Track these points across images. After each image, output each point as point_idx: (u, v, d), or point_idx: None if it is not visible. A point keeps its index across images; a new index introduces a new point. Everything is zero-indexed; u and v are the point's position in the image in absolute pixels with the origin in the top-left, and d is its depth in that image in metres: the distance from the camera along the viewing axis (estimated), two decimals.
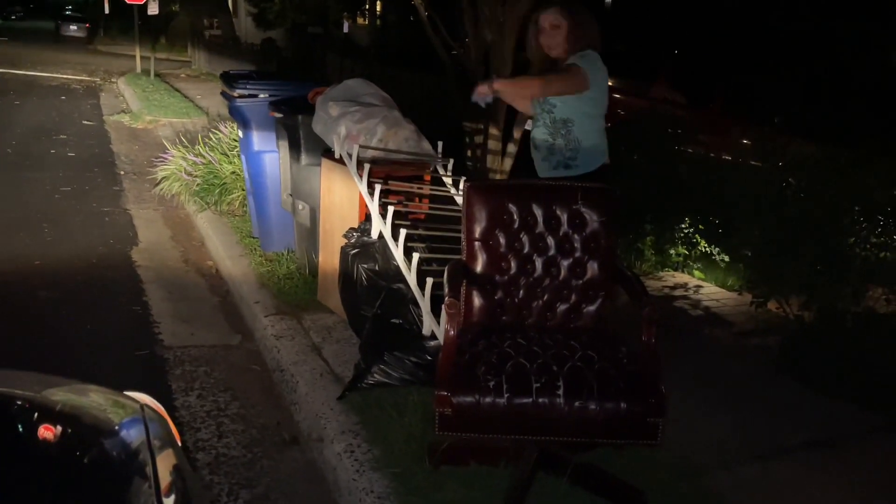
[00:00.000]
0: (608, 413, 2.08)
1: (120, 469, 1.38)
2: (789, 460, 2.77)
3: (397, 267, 3.18)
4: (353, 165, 3.47)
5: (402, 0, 16.61)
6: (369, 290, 3.26)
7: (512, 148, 5.54)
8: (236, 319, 4.12)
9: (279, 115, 4.13)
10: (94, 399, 1.62)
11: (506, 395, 2.08)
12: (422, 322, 3.00)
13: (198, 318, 4.09)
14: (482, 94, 3.10)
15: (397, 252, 3.18)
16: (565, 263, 2.54)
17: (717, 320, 4.20)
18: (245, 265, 4.56)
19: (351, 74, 7.98)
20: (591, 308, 2.54)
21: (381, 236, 3.32)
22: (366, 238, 3.37)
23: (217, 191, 5.71)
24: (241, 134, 4.80)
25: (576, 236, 2.54)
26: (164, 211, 6.19)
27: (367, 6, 23.09)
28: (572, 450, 2.49)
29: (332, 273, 3.67)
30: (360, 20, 24.46)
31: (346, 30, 22.75)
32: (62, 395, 1.60)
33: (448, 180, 3.83)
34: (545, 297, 2.55)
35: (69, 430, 1.44)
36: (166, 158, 6.34)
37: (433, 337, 2.93)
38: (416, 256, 3.07)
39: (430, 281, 2.93)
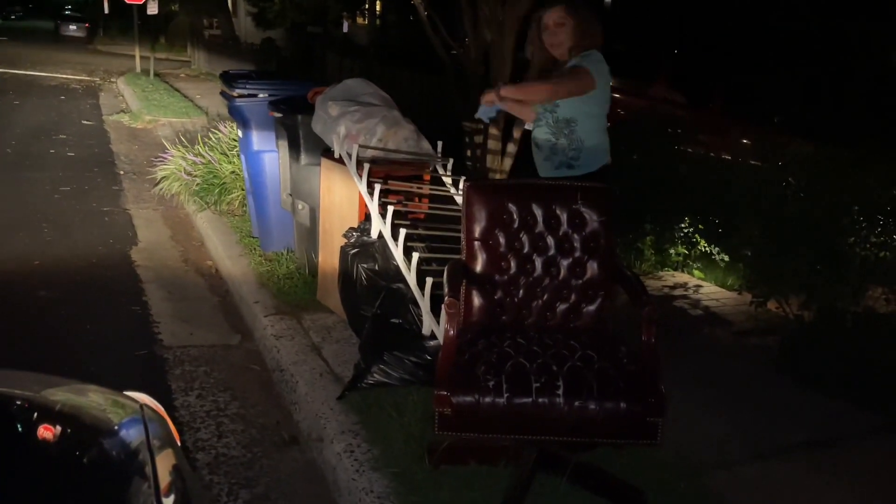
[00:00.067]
0: (608, 413, 2.08)
1: (119, 469, 1.38)
2: (789, 460, 2.77)
3: (397, 267, 3.18)
4: (352, 165, 3.47)
5: (402, 0, 16.62)
6: (369, 289, 3.26)
7: (512, 147, 5.54)
8: (236, 319, 4.12)
9: (279, 115, 4.13)
10: (93, 399, 1.62)
11: (505, 395, 2.08)
12: (421, 322, 2.99)
13: (197, 318, 4.09)
14: (489, 101, 3.09)
15: (397, 252, 3.18)
16: (565, 263, 2.54)
17: (716, 320, 4.20)
18: (245, 265, 4.56)
19: (350, 74, 7.98)
20: (591, 308, 2.54)
21: (380, 236, 3.32)
22: (365, 238, 3.37)
23: (217, 190, 5.71)
24: (240, 133, 4.80)
25: (575, 236, 2.53)
26: (164, 211, 6.18)
27: (367, 6, 23.06)
28: (572, 449, 2.49)
29: (332, 273, 3.67)
30: (359, 20, 24.45)
31: (345, 29, 22.75)
32: (61, 395, 1.60)
33: (448, 180, 3.83)
34: (545, 297, 2.54)
35: (68, 430, 1.43)
36: (166, 158, 6.34)
37: (433, 337, 2.93)
38: (415, 256, 3.07)
39: (429, 281, 2.93)
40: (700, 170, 5.15)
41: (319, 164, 3.83)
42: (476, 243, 2.52)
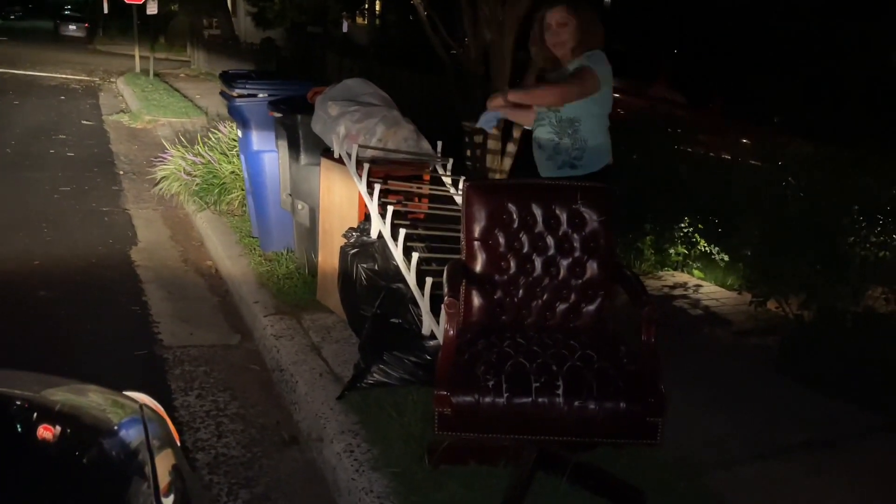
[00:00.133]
0: (607, 412, 2.08)
1: (119, 469, 1.38)
2: (789, 460, 2.77)
3: (397, 267, 3.18)
4: (352, 165, 3.47)
5: (402, 0, 16.61)
6: (369, 289, 3.26)
7: (512, 147, 5.54)
8: (236, 319, 4.12)
9: (278, 115, 4.13)
10: (93, 399, 1.62)
11: (505, 395, 2.08)
12: (421, 322, 2.99)
13: (197, 318, 4.09)
14: (496, 107, 3.09)
15: (397, 252, 3.18)
16: (565, 263, 2.54)
17: (716, 320, 4.20)
18: (244, 265, 4.56)
19: (350, 74, 7.99)
20: (591, 307, 2.54)
21: (380, 236, 3.32)
22: (365, 238, 3.37)
23: (216, 190, 5.71)
24: (240, 133, 4.80)
25: (575, 236, 2.53)
26: (164, 211, 6.18)
27: (367, 6, 23.09)
28: (572, 449, 2.49)
29: (332, 273, 3.67)
30: (359, 20, 24.46)
31: (345, 29, 22.76)
32: (61, 395, 1.60)
33: (447, 180, 3.83)
34: (544, 297, 2.54)
35: (68, 430, 1.43)
36: (165, 158, 6.34)
37: (432, 336, 2.93)
38: (415, 256, 3.07)
39: (429, 280, 2.93)
40: (700, 170, 5.15)
41: (319, 164, 3.83)
42: (476, 243, 2.52)
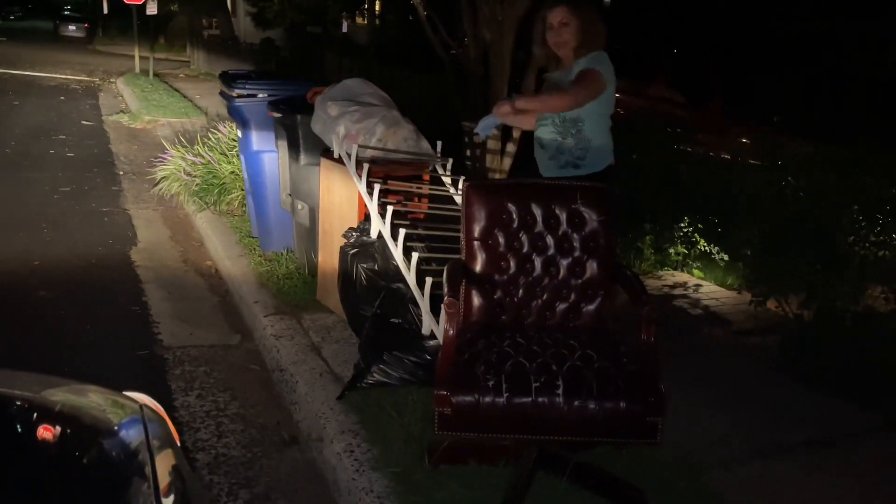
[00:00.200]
0: (608, 412, 2.08)
1: (119, 469, 1.38)
2: (789, 459, 2.77)
3: (396, 266, 3.18)
4: (352, 165, 3.47)
5: (401, 0, 16.61)
6: (368, 289, 3.26)
7: (512, 147, 5.54)
8: (236, 319, 4.12)
9: (278, 115, 4.13)
10: (93, 399, 1.62)
11: (505, 395, 2.08)
12: (421, 322, 2.99)
13: (197, 318, 4.09)
14: (503, 114, 3.07)
15: (396, 252, 3.18)
16: (564, 263, 2.54)
17: (716, 319, 4.20)
18: (244, 265, 4.56)
19: (350, 74, 7.99)
20: (591, 307, 2.54)
21: (380, 236, 3.32)
22: (365, 238, 3.37)
23: (216, 191, 5.71)
24: (240, 134, 4.80)
25: (575, 235, 2.53)
26: (164, 211, 6.18)
27: (366, 6, 23.08)
28: (572, 449, 2.49)
29: (332, 273, 3.67)
30: (358, 20, 24.46)
31: (344, 29, 22.75)
32: (61, 395, 1.60)
33: (447, 180, 3.83)
34: (544, 297, 2.54)
35: (68, 431, 1.43)
36: (165, 158, 6.34)
37: (432, 336, 2.93)
38: (415, 256, 3.07)
39: (429, 280, 2.93)
40: (700, 169, 5.16)
41: (319, 164, 3.83)
42: (475, 243, 2.52)
